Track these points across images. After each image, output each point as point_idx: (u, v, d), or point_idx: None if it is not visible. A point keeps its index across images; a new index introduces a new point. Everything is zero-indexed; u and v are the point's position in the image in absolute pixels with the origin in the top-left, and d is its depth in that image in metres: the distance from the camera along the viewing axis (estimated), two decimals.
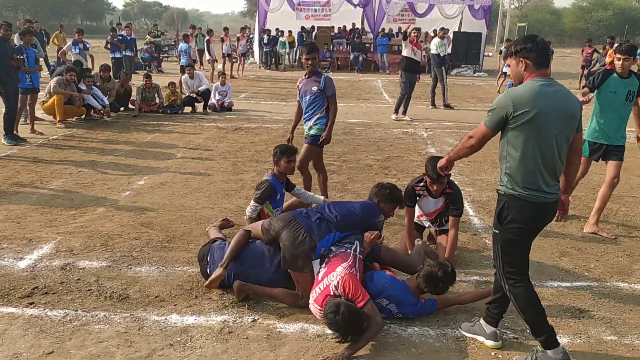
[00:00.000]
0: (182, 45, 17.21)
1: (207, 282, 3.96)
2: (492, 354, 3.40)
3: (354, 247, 3.88)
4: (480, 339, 3.51)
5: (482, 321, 3.54)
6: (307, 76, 5.69)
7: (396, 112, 11.75)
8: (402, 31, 12.06)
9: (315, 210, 4.15)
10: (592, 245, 5.15)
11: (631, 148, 9.05)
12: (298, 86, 5.80)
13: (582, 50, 19.42)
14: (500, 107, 3.05)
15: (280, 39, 23.26)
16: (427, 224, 4.91)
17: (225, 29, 21.77)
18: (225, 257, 4.01)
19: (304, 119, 5.79)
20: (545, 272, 4.56)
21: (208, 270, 4.10)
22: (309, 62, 5.57)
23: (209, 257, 4.14)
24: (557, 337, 3.22)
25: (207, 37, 19.01)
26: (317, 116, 5.67)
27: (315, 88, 5.57)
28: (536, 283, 4.33)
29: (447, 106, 13.54)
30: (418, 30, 12.22)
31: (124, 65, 17.42)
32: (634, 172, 7.77)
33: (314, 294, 3.69)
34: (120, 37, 17.85)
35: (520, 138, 3.03)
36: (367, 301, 3.48)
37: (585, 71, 18.58)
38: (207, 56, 18.85)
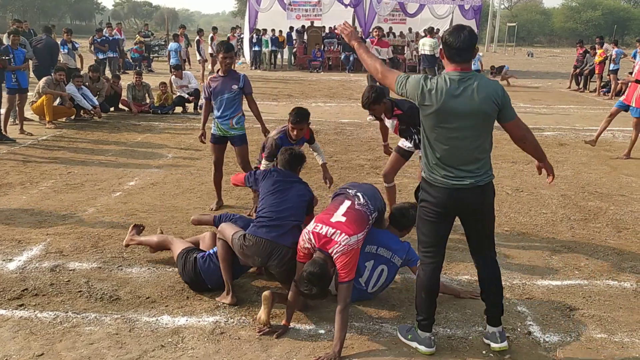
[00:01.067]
0: (171, 45, 17.13)
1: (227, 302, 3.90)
2: (483, 352, 3.41)
3: (372, 217, 3.84)
4: (487, 341, 3.46)
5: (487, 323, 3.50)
6: (223, 75, 5.68)
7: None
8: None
9: (267, 218, 3.91)
10: (582, 244, 5.18)
11: (619, 148, 9.13)
12: (209, 84, 5.72)
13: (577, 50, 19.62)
14: (411, 88, 3.14)
15: (263, 37, 23.15)
16: (406, 146, 5.33)
17: (214, 28, 21.69)
18: (226, 282, 3.91)
19: (222, 117, 5.74)
20: (536, 271, 4.59)
21: (209, 287, 4.05)
22: (226, 61, 5.60)
23: (207, 282, 4.03)
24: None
25: (197, 37, 18.92)
26: (239, 115, 5.77)
27: (235, 86, 5.64)
28: (527, 282, 4.37)
29: None
30: (379, 29, 12.17)
31: (110, 66, 17.29)
32: (622, 171, 7.83)
33: (316, 226, 3.58)
34: (103, 38, 17.48)
35: (427, 126, 3.18)
36: (349, 280, 3.43)
37: (577, 71, 18.75)
38: (197, 56, 18.78)
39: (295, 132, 5.03)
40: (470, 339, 3.55)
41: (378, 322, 3.73)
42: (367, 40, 11.54)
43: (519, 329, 3.68)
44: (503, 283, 4.31)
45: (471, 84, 3.06)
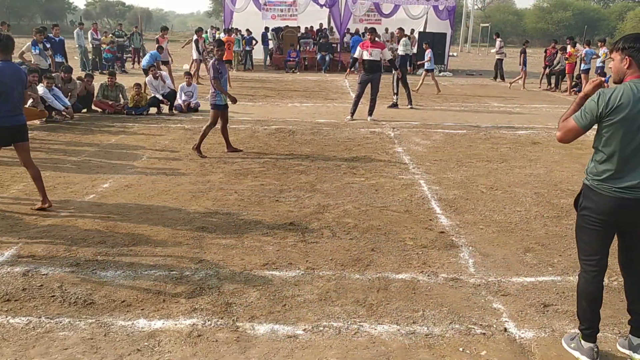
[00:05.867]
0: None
1: None
2: (460, 349, 3.45)
3: None
4: (625, 351, 3.39)
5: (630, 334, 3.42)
6: (222, 60, 8.32)
7: (350, 114, 11.75)
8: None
9: None
10: (556, 241, 5.27)
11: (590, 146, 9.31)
12: (218, 68, 8.13)
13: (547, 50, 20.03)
14: (593, 106, 3.13)
15: (234, 36, 22.95)
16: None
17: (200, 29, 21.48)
18: None
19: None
20: (511, 268, 4.65)
21: None
22: (219, 53, 8.34)
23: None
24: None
25: (194, 37, 18.61)
26: None
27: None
28: (502, 279, 4.43)
29: (395, 105, 13.62)
30: (373, 31, 11.84)
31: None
32: None
33: None
34: (44, 43, 13.72)
35: (607, 136, 3.17)
36: None
37: (548, 71, 19.12)
38: (194, 55, 18.51)
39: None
40: (447, 336, 3.58)
41: (357, 322, 3.74)
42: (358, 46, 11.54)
43: (494, 326, 3.72)
44: (478, 281, 4.39)
45: None
